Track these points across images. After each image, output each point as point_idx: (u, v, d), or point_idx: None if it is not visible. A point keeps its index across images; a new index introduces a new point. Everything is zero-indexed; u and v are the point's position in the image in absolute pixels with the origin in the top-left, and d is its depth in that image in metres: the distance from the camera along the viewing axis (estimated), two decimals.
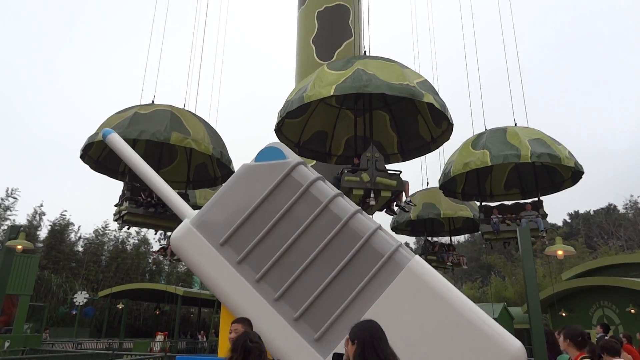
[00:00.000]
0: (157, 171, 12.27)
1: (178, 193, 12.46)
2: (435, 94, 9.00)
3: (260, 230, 2.88)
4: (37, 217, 34.83)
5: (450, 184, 13.13)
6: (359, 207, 3.39)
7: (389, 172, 9.24)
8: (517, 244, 11.65)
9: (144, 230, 37.54)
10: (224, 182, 14.18)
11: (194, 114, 11.57)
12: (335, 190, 2.86)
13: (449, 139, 10.16)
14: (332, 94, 8.47)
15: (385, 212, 10.13)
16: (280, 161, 2.65)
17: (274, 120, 9.92)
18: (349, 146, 11.60)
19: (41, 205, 36.17)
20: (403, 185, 9.11)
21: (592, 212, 59.36)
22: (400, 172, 9.29)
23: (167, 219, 11.79)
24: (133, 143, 11.42)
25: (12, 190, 32.00)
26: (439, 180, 12.66)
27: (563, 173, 12.05)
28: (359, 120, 10.77)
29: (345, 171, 9.03)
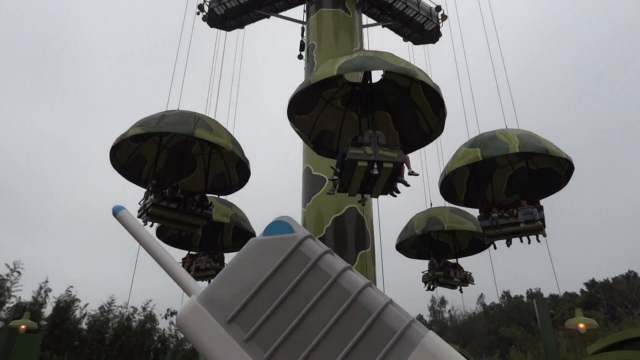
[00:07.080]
0: (177, 180, 12.91)
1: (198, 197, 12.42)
2: (429, 77, 9.63)
3: (268, 306, 2.70)
4: (43, 294, 34.32)
5: (451, 192, 13.54)
6: (369, 281, 3.28)
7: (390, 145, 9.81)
8: (517, 239, 11.74)
9: (150, 305, 36.95)
10: (239, 188, 14.20)
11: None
12: (345, 264, 2.48)
13: (444, 126, 10.58)
14: (335, 74, 9.12)
15: (389, 194, 10.46)
16: (289, 235, 2.57)
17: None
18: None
19: (46, 282, 35.57)
20: (403, 158, 9.65)
21: (610, 280, 57.61)
22: (401, 146, 9.99)
23: (193, 215, 12.26)
24: (158, 148, 12.69)
25: (16, 263, 31.71)
26: (438, 182, 13.11)
27: (557, 170, 12.34)
28: (363, 121, 11.20)
29: (350, 145, 9.63)
